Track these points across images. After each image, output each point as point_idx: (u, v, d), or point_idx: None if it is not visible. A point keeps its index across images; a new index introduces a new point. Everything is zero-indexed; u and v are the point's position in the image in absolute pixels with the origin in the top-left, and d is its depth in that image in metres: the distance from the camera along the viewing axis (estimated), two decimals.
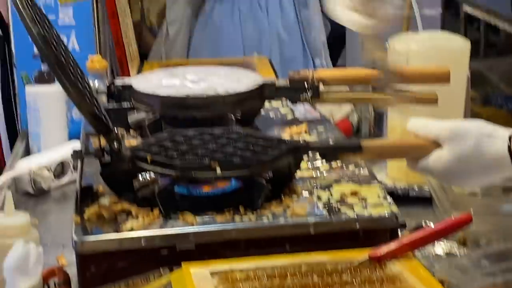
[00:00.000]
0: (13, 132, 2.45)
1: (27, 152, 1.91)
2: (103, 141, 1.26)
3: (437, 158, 1.22)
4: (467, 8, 5.21)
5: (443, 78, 1.57)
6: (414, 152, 1.25)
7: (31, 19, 1.18)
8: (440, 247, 1.33)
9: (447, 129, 1.22)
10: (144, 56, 2.66)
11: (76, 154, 1.26)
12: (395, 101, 1.51)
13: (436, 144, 1.23)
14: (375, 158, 1.44)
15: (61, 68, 1.19)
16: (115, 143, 1.25)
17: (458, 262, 1.26)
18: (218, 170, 1.22)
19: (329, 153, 1.31)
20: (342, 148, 1.30)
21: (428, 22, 2.06)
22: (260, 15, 2.71)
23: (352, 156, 1.29)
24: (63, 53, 1.26)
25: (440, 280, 1.15)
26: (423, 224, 1.41)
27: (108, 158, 1.26)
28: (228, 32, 2.72)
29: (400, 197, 1.58)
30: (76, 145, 1.67)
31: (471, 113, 1.83)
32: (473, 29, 5.75)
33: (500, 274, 1.24)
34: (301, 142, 1.32)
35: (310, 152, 1.35)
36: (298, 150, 1.30)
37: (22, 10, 1.18)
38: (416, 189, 1.61)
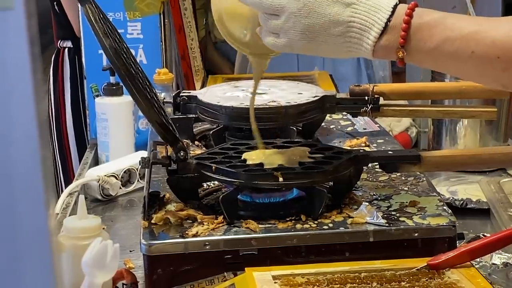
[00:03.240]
0: (82, 142, 2.53)
1: (96, 161, 1.97)
2: (170, 150, 1.31)
3: None
4: None
5: (502, 92, 1.58)
6: (474, 163, 1.27)
7: (103, 32, 1.24)
8: (497, 258, 1.34)
9: None
10: (208, 71, 2.70)
11: (144, 161, 1.31)
12: None
13: None
14: (434, 169, 1.47)
15: (131, 78, 1.24)
16: (181, 152, 1.30)
17: None
18: (281, 179, 1.26)
19: (388, 163, 1.34)
20: (401, 158, 1.33)
21: None
22: None
23: (411, 167, 1.32)
24: (133, 65, 1.32)
25: None
26: (481, 236, 1.43)
27: (174, 166, 1.31)
28: None
29: (458, 209, 1.60)
30: (143, 154, 1.73)
31: None
32: None
33: None
34: (361, 152, 1.35)
35: (370, 163, 1.38)
36: (358, 160, 1.33)
37: (95, 24, 1.24)
38: (474, 201, 1.63)
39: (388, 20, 1.08)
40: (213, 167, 1.29)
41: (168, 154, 1.32)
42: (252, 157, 1.34)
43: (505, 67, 1.02)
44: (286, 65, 2.68)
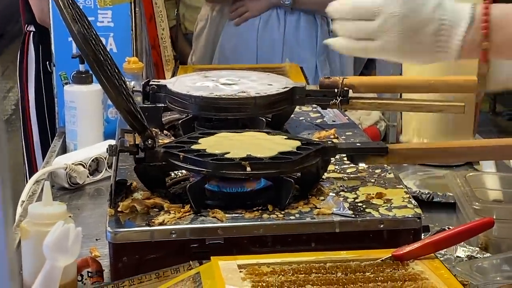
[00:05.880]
0: (44, 129, 2.51)
1: (64, 149, 1.96)
2: (138, 138, 1.31)
3: None
4: None
5: (469, 87, 1.59)
6: (441, 156, 1.28)
7: (72, 18, 1.23)
8: (461, 251, 1.35)
9: None
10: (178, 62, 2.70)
11: (111, 149, 1.30)
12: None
13: None
14: (401, 161, 1.48)
15: (99, 65, 1.23)
16: (149, 140, 1.29)
17: (479, 265, 1.28)
18: (248, 169, 1.26)
19: (356, 155, 1.35)
20: (369, 150, 1.34)
21: None
22: (276, 27, 2.72)
23: (378, 159, 1.33)
24: (102, 52, 1.31)
25: (460, 282, 1.18)
26: (446, 229, 1.44)
27: (142, 155, 1.30)
28: (247, 41, 2.74)
29: (425, 202, 1.61)
30: (112, 143, 1.72)
31: (497, 127, 1.86)
32: None
33: None
34: (329, 144, 1.36)
35: (338, 155, 1.39)
36: (326, 151, 1.33)
37: (63, 9, 1.23)
38: (440, 195, 1.64)
39: (471, 14, 1.15)
40: (181, 156, 1.29)
41: (136, 142, 1.31)
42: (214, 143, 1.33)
43: None
44: (246, 58, 2.69)
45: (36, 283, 1.00)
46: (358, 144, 1.40)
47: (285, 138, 1.37)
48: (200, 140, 1.36)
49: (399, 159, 1.34)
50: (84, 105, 1.90)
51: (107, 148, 1.32)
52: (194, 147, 1.33)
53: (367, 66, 3.00)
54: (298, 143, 1.34)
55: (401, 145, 1.37)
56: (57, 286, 1.00)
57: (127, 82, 1.83)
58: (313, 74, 2.67)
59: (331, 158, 1.37)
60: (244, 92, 1.57)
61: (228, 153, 1.29)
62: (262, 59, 2.67)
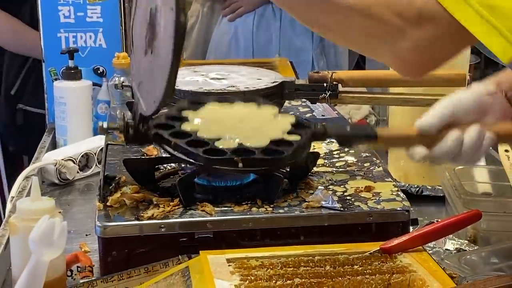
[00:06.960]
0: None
1: (54, 145, 1.96)
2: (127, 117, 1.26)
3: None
4: None
5: (460, 81, 1.60)
6: (428, 141, 1.27)
7: None
8: (450, 244, 1.36)
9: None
10: None
11: (101, 128, 1.26)
12: None
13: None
14: (389, 147, 1.47)
15: None
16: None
17: (468, 258, 1.28)
18: (240, 165, 1.25)
19: (345, 139, 1.33)
20: (358, 135, 1.33)
21: None
22: (271, 22, 2.72)
23: (367, 144, 1.32)
24: None
25: (449, 274, 1.18)
26: (435, 222, 1.44)
27: (132, 133, 1.26)
28: (243, 35, 2.74)
29: (414, 196, 1.61)
30: (101, 138, 1.72)
31: None
32: None
33: (508, 270, 1.26)
34: (318, 128, 1.33)
35: (327, 139, 1.37)
36: (315, 135, 1.31)
37: None
38: (429, 188, 1.64)
39: None
40: (172, 142, 1.24)
41: (127, 120, 1.27)
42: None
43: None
44: (242, 53, 2.69)
45: (22, 277, 0.99)
46: (347, 128, 1.39)
47: (275, 116, 1.34)
48: (189, 117, 1.31)
49: (388, 143, 1.32)
50: (73, 101, 1.90)
51: (97, 127, 1.27)
52: (184, 126, 1.28)
53: (364, 59, 2.99)
54: (288, 126, 1.30)
55: (390, 130, 1.37)
56: (43, 280, 1.00)
57: (117, 78, 1.84)
58: (309, 67, 2.67)
59: (320, 153, 1.37)
60: (234, 86, 1.57)
61: (219, 139, 1.25)
62: (258, 54, 2.67)
